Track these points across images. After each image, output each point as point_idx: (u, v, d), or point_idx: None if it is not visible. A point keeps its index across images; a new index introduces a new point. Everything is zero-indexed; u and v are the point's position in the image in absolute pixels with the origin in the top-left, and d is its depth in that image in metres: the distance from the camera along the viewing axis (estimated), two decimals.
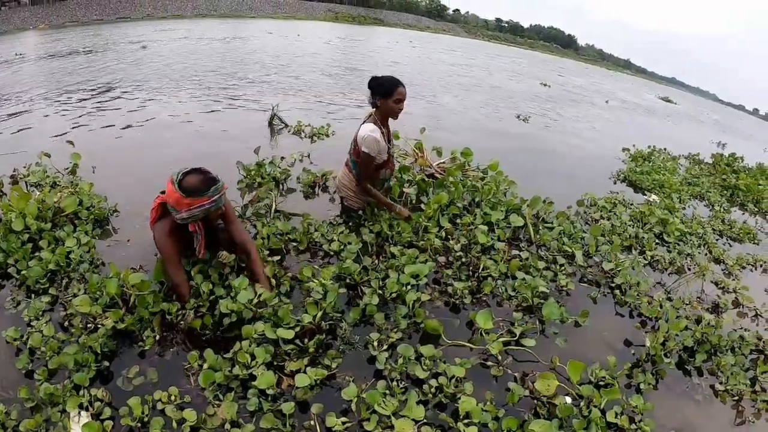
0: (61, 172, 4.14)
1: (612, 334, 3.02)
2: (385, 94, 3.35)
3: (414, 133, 5.58)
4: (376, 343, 2.48)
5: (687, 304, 3.40)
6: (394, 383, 2.24)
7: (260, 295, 2.52)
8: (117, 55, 12.10)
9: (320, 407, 2.11)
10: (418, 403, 2.12)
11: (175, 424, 1.98)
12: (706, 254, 4.48)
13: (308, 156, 5.04)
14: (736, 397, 2.69)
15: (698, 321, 3.20)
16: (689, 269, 4.04)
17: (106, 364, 2.28)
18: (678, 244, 4.39)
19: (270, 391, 2.13)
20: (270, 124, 6.46)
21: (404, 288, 2.85)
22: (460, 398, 2.17)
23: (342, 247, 3.31)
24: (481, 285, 3.18)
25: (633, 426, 2.26)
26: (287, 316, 2.46)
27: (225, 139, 5.74)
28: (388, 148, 3.57)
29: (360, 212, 3.77)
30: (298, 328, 2.44)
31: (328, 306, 2.59)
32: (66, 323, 2.50)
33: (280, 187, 4.36)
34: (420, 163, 4.83)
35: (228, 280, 2.72)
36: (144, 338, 2.41)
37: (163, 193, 2.58)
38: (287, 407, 2.04)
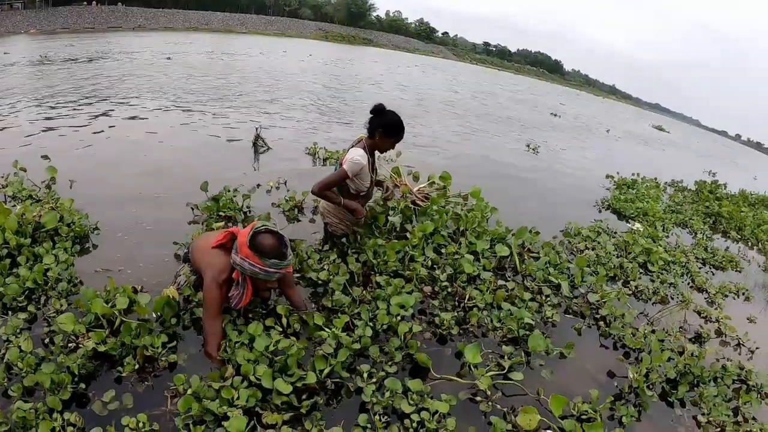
0: (37, 185, 4.13)
1: (596, 366, 3.07)
2: (389, 134, 3.47)
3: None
4: (365, 375, 2.48)
5: (670, 335, 3.47)
6: (377, 417, 2.24)
7: (278, 342, 2.46)
8: (104, 65, 12.12)
9: None
10: None
11: None
12: (689, 283, 4.59)
13: (285, 183, 5.05)
14: (719, 429, 2.74)
15: (681, 352, 3.26)
16: (672, 299, 4.13)
17: (83, 386, 2.25)
18: (661, 273, 4.49)
19: None
20: (254, 145, 6.52)
21: (395, 319, 2.87)
22: None
23: (330, 276, 3.31)
24: (467, 315, 3.22)
25: None
26: (294, 366, 2.39)
27: (208, 159, 5.77)
28: (371, 177, 3.65)
29: (344, 239, 3.80)
30: (299, 383, 2.36)
31: (338, 365, 2.51)
32: (47, 340, 2.48)
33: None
34: (403, 190, 4.89)
35: (237, 326, 2.65)
36: (124, 364, 2.38)
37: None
38: None
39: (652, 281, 4.34)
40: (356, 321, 2.89)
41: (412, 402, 2.36)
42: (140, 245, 3.50)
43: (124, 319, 2.56)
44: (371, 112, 3.51)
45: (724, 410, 2.81)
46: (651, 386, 2.86)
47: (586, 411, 2.50)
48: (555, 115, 19.05)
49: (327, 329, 2.70)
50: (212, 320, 2.51)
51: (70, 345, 2.42)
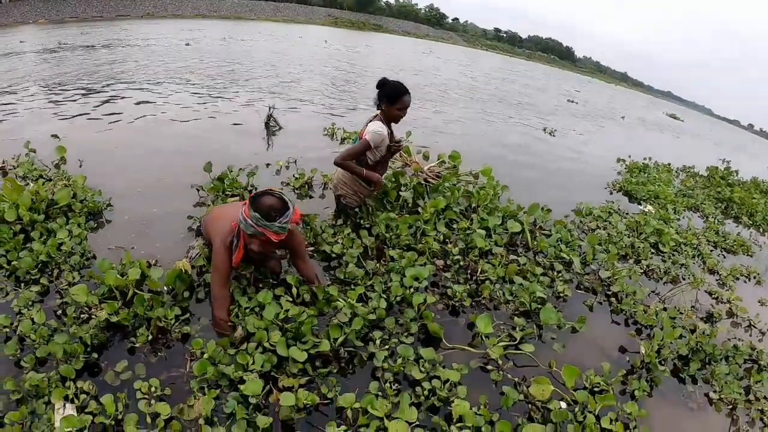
0: (47, 165, 4.10)
1: (607, 341, 3.02)
2: (391, 100, 3.48)
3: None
4: (378, 342, 2.46)
5: (682, 314, 3.41)
6: (387, 384, 2.22)
7: (287, 311, 2.44)
8: (115, 52, 12.07)
9: None
10: (410, 405, 2.10)
11: (149, 419, 1.96)
12: (700, 265, 4.50)
13: (295, 162, 4.98)
14: (730, 406, 2.70)
15: (693, 330, 3.21)
16: (683, 279, 4.06)
17: (95, 356, 2.25)
18: (673, 254, 4.41)
19: (253, 400, 2.05)
20: (266, 125, 6.46)
21: (408, 291, 2.83)
22: (453, 401, 2.15)
23: (344, 250, 3.28)
24: (479, 288, 3.18)
25: None
26: (308, 333, 2.37)
27: (221, 140, 5.73)
28: (389, 147, 3.65)
29: (356, 210, 3.78)
30: (313, 350, 2.34)
31: (352, 333, 2.48)
32: (59, 312, 2.47)
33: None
34: (414, 168, 4.83)
35: (246, 294, 2.63)
36: (137, 335, 2.37)
37: None
38: (262, 421, 1.94)
39: (664, 261, 4.26)
40: (370, 293, 2.86)
41: (423, 370, 2.34)
42: (152, 223, 3.47)
43: (136, 291, 2.55)
44: (376, 86, 3.57)
45: (736, 388, 2.77)
46: (663, 362, 2.81)
47: (599, 383, 2.46)
48: (572, 101, 18.73)
49: (342, 300, 2.67)
50: (221, 287, 2.48)
51: (82, 316, 2.41)
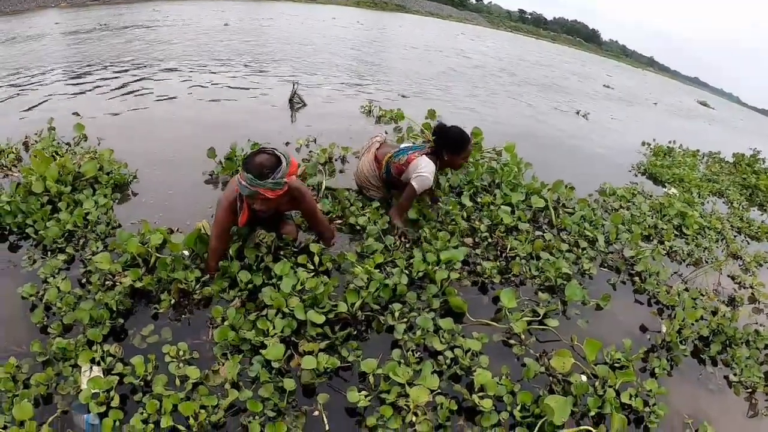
0: (67, 143, 4.03)
1: (630, 320, 2.93)
2: (456, 150, 3.15)
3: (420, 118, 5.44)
4: (397, 314, 2.40)
5: (704, 296, 3.27)
6: (410, 353, 2.17)
7: (303, 282, 2.40)
8: (139, 33, 11.90)
9: (326, 397, 1.98)
10: (432, 373, 2.05)
11: (178, 381, 1.96)
12: (723, 249, 4.31)
13: (314, 140, 4.83)
14: (750, 390, 2.60)
15: (714, 312, 3.08)
16: (706, 263, 3.89)
17: (121, 321, 2.26)
18: (696, 237, 4.23)
19: (275, 364, 2.04)
20: (290, 101, 6.33)
21: (430, 267, 2.74)
22: (475, 371, 2.09)
23: (370, 223, 3.18)
24: (509, 265, 3.08)
25: (647, 409, 2.18)
26: (324, 299, 2.34)
27: (242, 118, 5.59)
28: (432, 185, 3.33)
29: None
30: (331, 315, 2.31)
31: (369, 296, 2.44)
32: (84, 280, 2.47)
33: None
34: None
35: (263, 262, 2.59)
36: (160, 300, 2.38)
37: None
38: (288, 384, 1.94)
39: (687, 244, 4.09)
40: (391, 269, 2.76)
41: (443, 340, 2.28)
42: (177, 194, 3.46)
43: (158, 255, 2.53)
44: (433, 133, 3.24)
45: (756, 372, 2.67)
46: (684, 342, 2.71)
47: (619, 359, 2.38)
48: (608, 86, 17.96)
49: (359, 266, 2.61)
50: (215, 238, 2.48)
51: (107, 283, 2.40)
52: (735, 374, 2.65)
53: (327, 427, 1.89)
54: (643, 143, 7.55)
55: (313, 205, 2.67)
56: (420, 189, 3.12)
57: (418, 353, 2.22)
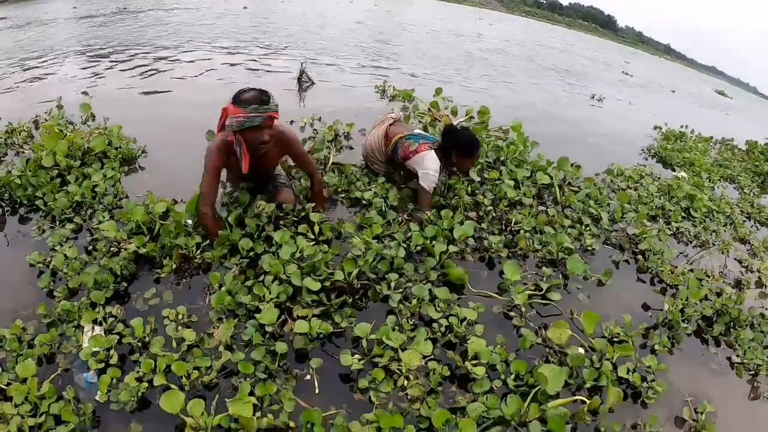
0: (70, 122, 4.00)
1: (632, 297, 2.83)
2: (466, 152, 3.08)
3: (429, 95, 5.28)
4: (393, 284, 2.34)
5: (709, 277, 3.16)
6: (404, 320, 2.11)
7: (303, 250, 2.37)
8: (156, 16, 11.72)
9: (319, 362, 1.95)
10: (426, 340, 1.99)
11: (174, 343, 1.97)
12: (731, 234, 4.16)
13: (319, 119, 4.66)
14: (753, 372, 2.51)
15: (719, 293, 2.96)
16: (713, 245, 3.76)
17: (124, 285, 2.27)
18: (704, 220, 4.08)
19: (269, 329, 2.02)
20: (298, 80, 6.19)
21: (428, 241, 2.67)
22: (469, 339, 2.03)
23: (375, 197, 3.11)
24: (514, 239, 3.00)
25: (645, 384, 2.10)
26: (321, 267, 2.30)
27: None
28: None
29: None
30: (328, 283, 2.28)
31: (365, 264, 2.39)
32: (90, 247, 2.49)
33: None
34: (444, 121, 4.56)
35: (265, 231, 2.56)
36: (163, 265, 2.39)
37: None
38: (280, 347, 1.93)
39: (694, 226, 3.95)
40: (389, 242, 2.69)
41: (439, 309, 2.22)
42: (183, 169, 3.35)
43: (162, 223, 2.54)
44: (442, 133, 3.17)
45: (760, 354, 2.57)
46: (686, 320, 2.61)
47: (618, 334, 2.30)
48: (626, 73, 17.42)
49: (357, 236, 2.56)
50: (206, 184, 2.45)
51: (112, 250, 2.43)
52: (738, 356, 2.56)
53: (317, 390, 1.86)
54: (655, 127, 7.31)
55: (302, 149, 2.75)
56: (429, 188, 3.05)
57: (413, 321, 2.17)
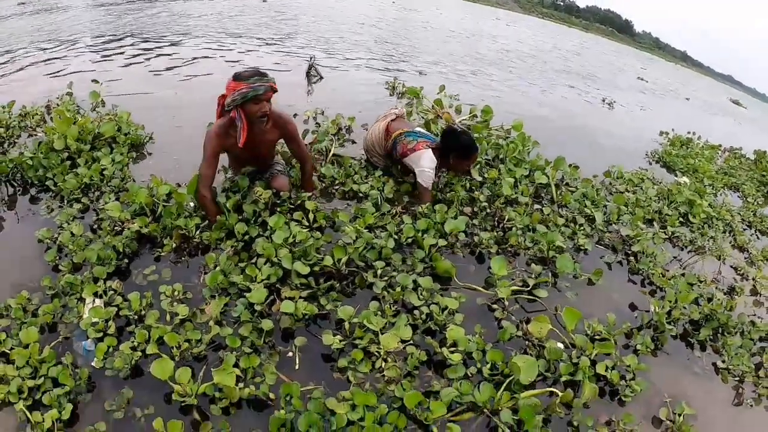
0: (77, 107, 4.05)
1: (621, 298, 2.82)
2: (463, 155, 3.09)
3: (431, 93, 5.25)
4: (379, 271, 2.37)
5: (702, 282, 3.12)
6: (387, 306, 2.14)
7: (296, 235, 2.41)
8: (172, 7, 11.74)
9: (303, 341, 2.01)
10: (406, 325, 2.02)
11: (168, 317, 2.04)
12: (730, 241, 4.10)
13: (322, 113, 4.62)
14: (737, 378, 2.48)
15: (710, 299, 2.94)
16: (709, 252, 3.71)
17: (126, 261, 2.35)
18: (702, 227, 4.03)
19: (258, 307, 2.08)
20: (307, 75, 6.19)
21: (419, 234, 2.69)
22: (449, 327, 2.06)
23: (371, 190, 3.14)
24: (506, 236, 3.01)
25: (623, 382, 2.10)
26: (312, 252, 2.35)
27: None
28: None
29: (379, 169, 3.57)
30: (317, 268, 2.33)
31: (354, 252, 2.43)
32: (95, 226, 2.57)
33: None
34: (446, 118, 4.54)
35: (261, 217, 2.61)
36: (163, 244, 2.47)
37: None
38: (266, 324, 1.98)
39: (692, 232, 3.90)
40: (381, 233, 2.73)
41: (422, 297, 2.24)
42: (188, 158, 3.37)
43: (165, 204, 2.62)
44: (442, 134, 3.18)
45: (746, 361, 2.53)
46: (672, 323, 2.60)
47: (600, 332, 2.29)
48: (642, 79, 17.07)
49: (349, 226, 2.59)
50: (206, 167, 2.51)
51: (116, 229, 2.52)
52: (723, 361, 2.53)
53: (297, 367, 1.90)
54: (661, 133, 7.20)
55: (297, 133, 2.76)
56: (427, 184, 3.08)
57: (396, 307, 2.20)
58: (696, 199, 4.23)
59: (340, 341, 1.95)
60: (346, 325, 2.03)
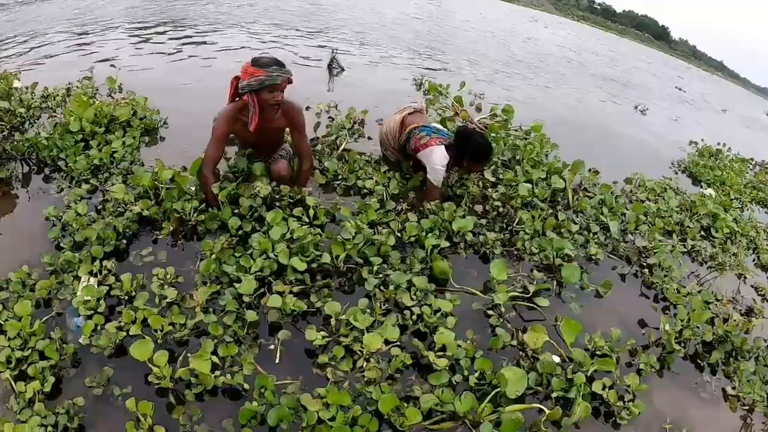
0: (100, 92, 4.03)
1: (630, 312, 2.61)
2: (477, 158, 2.93)
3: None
4: (376, 268, 2.26)
5: (718, 300, 2.88)
6: (378, 304, 2.02)
7: (293, 231, 2.31)
8: None
9: (287, 334, 1.93)
10: (396, 326, 1.90)
11: (158, 300, 2.01)
12: (753, 259, 3.81)
13: (336, 106, 4.44)
14: (747, 407, 2.26)
15: (726, 319, 2.69)
16: (730, 268, 3.43)
17: (124, 242, 2.33)
18: (724, 242, 3.74)
19: (246, 299, 2.00)
20: (329, 67, 6.05)
21: (423, 233, 2.55)
22: (438, 331, 1.92)
23: (376, 186, 3.01)
24: (512, 238, 2.85)
25: (620, 403, 1.92)
26: (310, 248, 2.26)
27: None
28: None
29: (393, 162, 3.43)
30: (314, 264, 2.24)
31: (353, 248, 2.32)
32: (100, 207, 2.56)
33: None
34: (463, 116, 4.34)
35: (257, 212, 2.52)
36: (162, 228, 2.43)
37: None
38: (250, 315, 1.92)
39: (713, 246, 3.63)
40: (383, 229, 2.59)
41: (414, 297, 2.11)
42: (200, 144, 3.36)
43: (168, 187, 2.57)
44: (455, 133, 3.00)
45: (758, 389, 2.31)
46: (683, 343, 2.38)
47: (602, 347, 2.11)
48: (679, 89, 16.27)
49: (350, 221, 2.45)
50: (212, 150, 2.48)
51: (119, 210, 2.49)
52: (734, 387, 2.32)
53: (277, 360, 1.81)
54: (691, 142, 6.78)
55: (303, 124, 2.67)
56: (437, 182, 2.94)
57: (386, 306, 2.07)
58: (720, 213, 3.94)
59: (323, 338, 1.84)
60: (333, 321, 1.92)
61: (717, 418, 2.17)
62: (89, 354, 1.85)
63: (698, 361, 2.43)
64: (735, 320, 2.66)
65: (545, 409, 1.65)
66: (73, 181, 2.78)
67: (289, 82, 2.42)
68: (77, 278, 2.10)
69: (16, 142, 2.98)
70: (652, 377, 2.20)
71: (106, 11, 8.19)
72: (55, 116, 3.51)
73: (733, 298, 3.12)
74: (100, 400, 1.70)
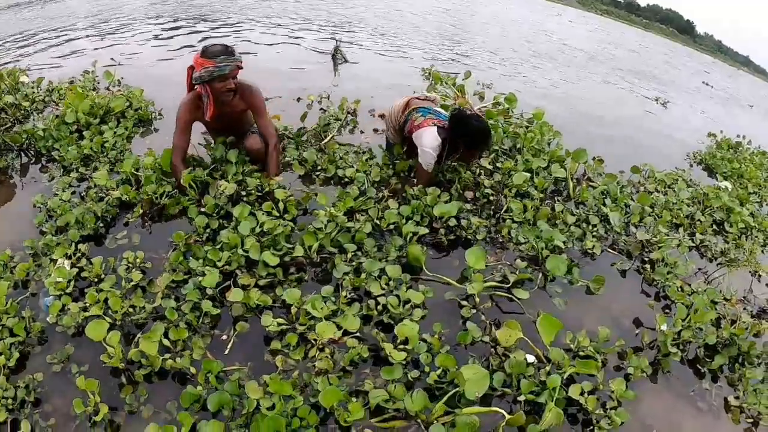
0: (101, 86, 3.98)
1: (623, 311, 2.33)
2: (472, 144, 2.67)
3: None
4: (350, 255, 2.08)
5: (727, 300, 2.55)
6: (344, 292, 1.83)
7: (263, 224, 2.17)
8: None
9: (244, 326, 1.83)
10: (358, 316, 1.70)
11: (124, 283, 1.98)
12: None
13: (328, 97, 4.17)
14: (751, 419, 1.96)
15: (733, 321, 2.38)
16: (743, 265, 3.07)
17: (101, 225, 2.33)
18: (738, 237, 3.37)
19: (209, 291, 1.92)
20: (333, 57, 5.85)
21: (402, 220, 2.35)
22: (402, 322, 1.72)
23: (357, 173, 2.82)
24: (498, 225, 2.61)
25: (600, 411, 1.67)
26: (282, 241, 2.13)
27: (285, 70, 5.14)
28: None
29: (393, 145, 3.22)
30: (287, 258, 2.10)
31: (326, 237, 2.15)
32: (83, 194, 2.57)
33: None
34: (460, 103, 4.03)
35: (224, 209, 2.39)
36: (133, 212, 2.42)
37: None
38: (206, 305, 1.84)
39: (726, 242, 3.26)
40: (360, 216, 2.41)
41: (384, 287, 1.91)
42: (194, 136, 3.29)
43: (149, 172, 2.56)
44: (450, 117, 2.71)
45: (765, 400, 1.99)
46: (681, 346, 2.09)
47: (586, 347, 1.85)
48: (706, 83, 15.28)
49: (324, 210, 2.27)
50: (178, 137, 2.44)
51: (101, 195, 2.51)
52: (737, 397, 2.02)
53: (226, 351, 1.69)
54: (709, 134, 6.25)
55: (264, 107, 2.59)
56: (427, 166, 2.70)
57: (352, 294, 1.89)
58: (735, 207, 3.55)
59: (279, 325, 1.68)
60: (293, 309, 1.75)
61: (715, 431, 1.88)
62: (55, 333, 1.86)
63: (698, 366, 2.14)
64: (744, 322, 2.35)
65: (505, 413, 1.43)
66: (65, 170, 2.80)
67: (239, 68, 2.37)
68: (53, 261, 2.11)
69: (14, 134, 3.03)
70: (644, 383, 1.94)
71: (127, 9, 8.18)
72: (58, 109, 3.55)
73: (744, 297, 2.78)
74: (58, 377, 1.71)
